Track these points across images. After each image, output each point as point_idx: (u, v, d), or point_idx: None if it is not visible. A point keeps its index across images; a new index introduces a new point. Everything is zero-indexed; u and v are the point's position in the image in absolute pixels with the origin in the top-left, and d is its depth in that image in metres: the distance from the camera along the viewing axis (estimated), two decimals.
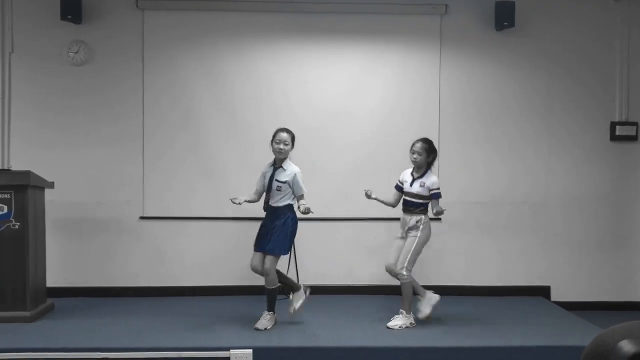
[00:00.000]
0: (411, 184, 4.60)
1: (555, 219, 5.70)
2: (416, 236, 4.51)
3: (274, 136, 4.48)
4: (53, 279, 5.23)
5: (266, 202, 4.48)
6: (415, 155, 4.55)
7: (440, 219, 5.55)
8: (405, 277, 4.44)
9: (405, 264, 4.44)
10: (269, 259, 4.37)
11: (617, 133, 5.67)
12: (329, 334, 4.17)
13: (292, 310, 4.49)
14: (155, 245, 5.59)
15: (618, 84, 5.71)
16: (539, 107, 5.70)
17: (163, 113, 5.58)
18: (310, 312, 4.86)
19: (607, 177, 5.72)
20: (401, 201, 4.70)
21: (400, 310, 4.48)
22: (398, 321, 4.43)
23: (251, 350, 3.81)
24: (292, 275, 5.04)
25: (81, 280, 5.51)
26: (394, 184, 4.77)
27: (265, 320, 4.36)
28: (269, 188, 4.45)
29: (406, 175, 4.69)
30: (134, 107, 5.56)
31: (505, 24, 5.50)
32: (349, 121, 5.62)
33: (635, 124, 5.67)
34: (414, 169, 4.65)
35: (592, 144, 5.71)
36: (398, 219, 5.46)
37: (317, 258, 5.53)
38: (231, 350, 3.80)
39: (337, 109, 5.62)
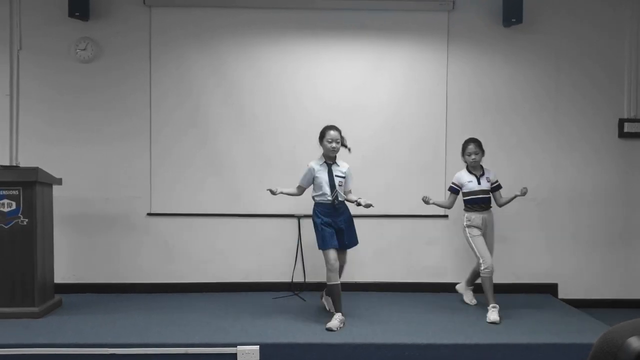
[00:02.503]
0: (479, 182, 4.79)
1: (563, 216, 5.68)
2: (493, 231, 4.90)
3: (323, 134, 4.49)
4: (61, 275, 5.27)
5: (335, 198, 4.47)
6: (474, 156, 4.77)
7: (447, 216, 5.57)
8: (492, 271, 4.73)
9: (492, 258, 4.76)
10: (345, 252, 4.56)
11: (626, 130, 5.63)
12: (337, 331, 4.16)
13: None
14: (162, 242, 5.61)
15: (627, 80, 5.67)
16: (547, 104, 5.68)
17: (171, 109, 5.59)
18: (318, 308, 4.87)
19: (615, 174, 5.69)
20: (466, 201, 4.86)
21: (494, 305, 4.61)
22: (496, 314, 4.53)
23: (258, 346, 3.82)
24: (298, 272, 5.07)
25: (89, 276, 5.54)
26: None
27: (337, 321, 4.25)
28: (332, 185, 4.46)
29: (465, 177, 4.85)
30: (142, 103, 5.58)
31: (513, 20, 5.47)
32: (357, 117, 5.61)
33: None
34: (468, 168, 4.85)
35: (600, 140, 5.69)
36: (406, 216, 5.50)
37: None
38: (238, 347, 3.81)
39: (345, 105, 5.62)
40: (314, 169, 4.51)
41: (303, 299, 5.14)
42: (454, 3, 5.60)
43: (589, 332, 4.16)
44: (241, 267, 5.59)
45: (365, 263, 5.62)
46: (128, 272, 5.57)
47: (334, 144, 4.43)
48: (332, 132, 4.43)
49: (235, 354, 3.79)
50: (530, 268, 5.67)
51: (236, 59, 5.61)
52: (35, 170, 4.52)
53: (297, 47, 5.64)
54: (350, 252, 5.58)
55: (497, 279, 5.61)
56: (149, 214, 5.60)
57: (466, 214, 4.83)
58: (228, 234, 5.62)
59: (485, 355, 3.87)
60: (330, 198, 4.47)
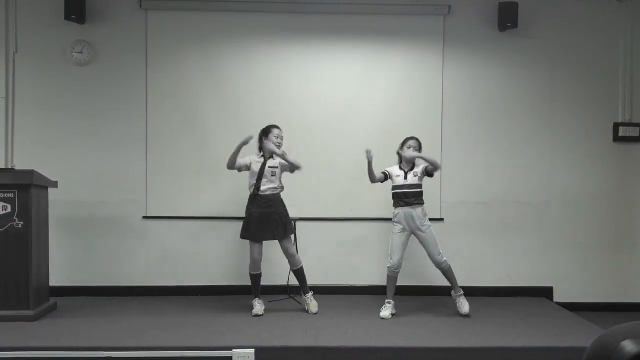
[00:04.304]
0: (405, 177, 4.81)
1: (558, 220, 5.70)
2: (430, 225, 4.81)
3: (268, 132, 4.82)
4: (56, 278, 5.26)
5: (257, 188, 4.76)
6: (411, 150, 4.80)
7: (443, 219, 5.58)
8: (447, 262, 4.78)
9: (442, 252, 4.77)
10: (287, 243, 4.81)
11: (621, 134, 5.66)
12: (332, 334, 4.16)
13: None
14: (158, 245, 5.60)
15: (621, 85, 5.70)
16: (542, 108, 5.70)
17: (167, 113, 5.59)
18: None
19: (610, 178, 5.71)
20: (393, 195, 4.86)
21: (458, 293, 4.83)
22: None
23: (253, 350, 3.81)
24: (294, 275, 5.05)
25: (84, 279, 5.53)
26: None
27: (312, 303, 4.87)
28: (260, 176, 4.75)
29: (395, 171, 4.90)
30: (138, 107, 5.58)
31: (509, 24, 5.49)
32: (352, 120, 5.62)
33: (638, 125, 5.66)
34: (401, 164, 4.89)
35: (595, 144, 5.71)
36: None
37: (319, 257, 5.54)
38: (234, 350, 3.81)
39: (342, 109, 5.63)
40: (251, 159, 4.84)
41: (299, 302, 5.14)
42: (449, 7, 5.62)
43: (583, 335, 4.17)
44: (237, 271, 5.57)
45: (362, 266, 5.62)
46: (124, 275, 5.56)
47: (279, 140, 4.81)
48: (277, 130, 4.83)
49: (231, 357, 3.79)
50: (525, 271, 5.68)
51: (232, 63, 5.61)
52: (31, 173, 4.51)
53: (293, 50, 5.65)
54: (348, 256, 5.60)
55: (491, 282, 5.64)
56: (145, 218, 5.59)
57: (394, 210, 4.88)
58: (224, 238, 5.61)
59: (480, 358, 3.88)
60: (253, 189, 4.79)
